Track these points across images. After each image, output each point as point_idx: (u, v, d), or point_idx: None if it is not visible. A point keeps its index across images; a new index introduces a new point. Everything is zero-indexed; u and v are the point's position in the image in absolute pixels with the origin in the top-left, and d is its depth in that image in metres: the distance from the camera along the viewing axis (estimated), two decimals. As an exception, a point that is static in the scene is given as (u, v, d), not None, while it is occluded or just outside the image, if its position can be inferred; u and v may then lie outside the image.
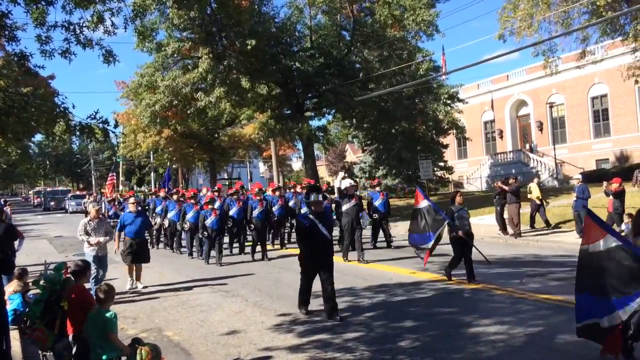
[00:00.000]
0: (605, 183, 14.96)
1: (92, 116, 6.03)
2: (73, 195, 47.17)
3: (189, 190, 19.43)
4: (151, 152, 42.89)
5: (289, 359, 6.16)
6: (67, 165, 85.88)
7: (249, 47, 21.34)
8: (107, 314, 5.16)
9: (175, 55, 23.24)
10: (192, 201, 15.32)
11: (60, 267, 5.35)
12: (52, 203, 49.05)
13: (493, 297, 8.63)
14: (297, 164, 68.15)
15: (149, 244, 18.93)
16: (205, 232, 13.54)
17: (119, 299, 8.92)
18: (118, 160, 53.10)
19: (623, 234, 12.91)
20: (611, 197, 14.18)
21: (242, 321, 7.83)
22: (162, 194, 19.03)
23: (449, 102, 32.33)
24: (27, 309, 5.37)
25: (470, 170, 42.23)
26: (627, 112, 33.59)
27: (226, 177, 51.30)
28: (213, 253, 13.71)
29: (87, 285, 6.61)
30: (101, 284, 5.46)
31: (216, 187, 18.39)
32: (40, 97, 7.22)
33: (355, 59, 26.90)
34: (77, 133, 6.29)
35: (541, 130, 38.90)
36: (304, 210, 13.41)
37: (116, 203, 20.13)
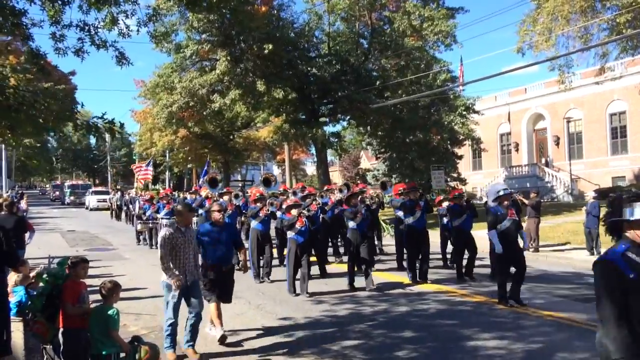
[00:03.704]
0: (617, 201, 14.75)
1: (100, 117, 6.16)
2: (94, 190, 44.46)
3: (253, 189, 15.43)
4: (167, 151, 43.27)
5: (286, 363, 6.20)
6: (84, 161, 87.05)
7: (266, 51, 21.55)
8: (110, 311, 5.24)
9: (193, 57, 23.54)
10: (259, 204, 11.55)
11: (64, 262, 5.44)
12: (72, 198, 46.58)
13: (495, 311, 8.58)
14: (311, 169, 68.27)
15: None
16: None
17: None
18: (134, 157, 53.52)
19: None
20: (624, 215, 13.98)
21: (243, 324, 7.88)
22: (203, 192, 14.82)
23: (464, 113, 32.22)
24: (29, 302, 5.48)
25: (485, 182, 41.93)
26: (646, 129, 33.17)
27: (239, 178, 51.54)
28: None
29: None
30: (106, 280, 5.54)
31: (280, 189, 14.63)
32: (50, 96, 7.36)
33: (372, 67, 26.99)
34: (84, 132, 6.42)
35: (558, 144, 38.57)
36: (351, 224, 10.41)
37: (154, 202, 17.56)
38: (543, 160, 39.90)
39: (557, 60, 21.95)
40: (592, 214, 14.95)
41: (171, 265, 6.15)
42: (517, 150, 42.13)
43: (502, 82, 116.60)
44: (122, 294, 9.34)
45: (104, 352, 5.11)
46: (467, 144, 35.29)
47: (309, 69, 24.85)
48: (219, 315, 7.00)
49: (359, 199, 10.84)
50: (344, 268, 12.69)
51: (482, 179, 42.80)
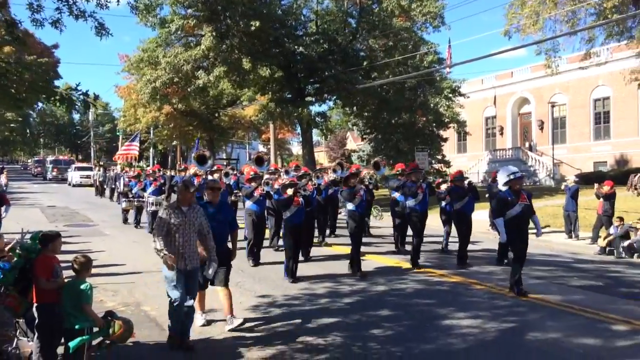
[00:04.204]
0: (597, 185, 14.97)
1: (74, 88, 6.03)
2: (77, 166, 43.12)
3: (245, 167, 14.78)
4: (151, 128, 42.79)
5: (261, 339, 6.22)
6: (67, 136, 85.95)
7: (252, 28, 21.27)
8: (82, 285, 5.18)
9: (178, 32, 23.18)
10: (254, 184, 11.03)
11: (36, 237, 5.37)
12: (54, 173, 45.64)
13: (472, 291, 8.69)
14: (296, 148, 68.10)
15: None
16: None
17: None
18: (118, 133, 52.93)
19: (611, 237, 13.03)
20: (602, 199, 14.21)
21: (220, 301, 7.87)
22: (192, 170, 14.29)
23: (450, 95, 32.26)
24: (2, 275, 5.41)
25: (469, 164, 42.22)
26: (629, 115, 33.53)
27: (224, 157, 51.27)
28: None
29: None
30: (79, 255, 5.47)
31: (271, 168, 14.02)
32: (23, 66, 7.16)
33: (359, 47, 26.81)
34: (57, 103, 6.27)
35: (542, 129, 38.88)
36: (349, 205, 9.95)
37: (140, 180, 16.79)
38: (527, 144, 40.21)
39: (543, 44, 21.99)
40: (571, 197, 15.15)
41: (163, 247, 5.59)
42: (501, 133, 42.38)
43: (489, 65, 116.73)
44: (100, 270, 9.41)
45: (77, 327, 5.07)
46: (452, 126, 35.40)
47: (295, 47, 24.60)
48: (202, 302, 6.77)
49: (357, 179, 10.19)
50: (332, 251, 12.77)
51: (466, 162, 43.04)
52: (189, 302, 5.88)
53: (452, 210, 11.66)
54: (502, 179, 8.54)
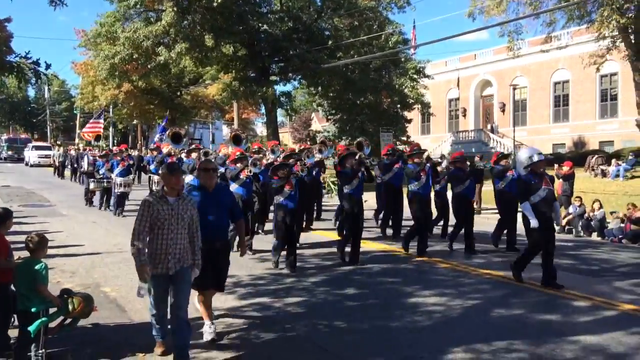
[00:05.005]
0: (556, 166, 15.32)
1: (23, 56, 5.67)
2: (35, 145, 41.17)
3: (223, 147, 13.90)
4: (110, 106, 41.58)
5: (226, 320, 6.09)
6: (22, 114, 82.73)
7: (215, 3, 20.78)
8: (37, 265, 4.95)
9: (137, 6, 22.44)
10: (239, 165, 9.71)
11: (-14, 215, 5.10)
12: (10, 152, 43.92)
13: (437, 269, 8.75)
14: (261, 129, 67.47)
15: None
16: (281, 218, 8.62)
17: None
18: (75, 111, 51.30)
19: (570, 216, 13.35)
20: (561, 180, 14.53)
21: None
22: (165, 149, 13.38)
23: (415, 76, 32.37)
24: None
25: (433, 146, 42.64)
26: (587, 99, 34.37)
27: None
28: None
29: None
30: (33, 234, 5.22)
31: (254, 147, 13.30)
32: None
33: (324, 26, 26.55)
34: (6, 73, 5.90)
35: (503, 111, 39.52)
36: (346, 188, 9.27)
37: (107, 159, 15.85)
38: (489, 126, 40.84)
39: (506, 26, 22.23)
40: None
41: (143, 248, 4.65)
42: (464, 115, 42.91)
43: (453, 47, 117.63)
44: (58, 251, 9.10)
45: (32, 310, 4.85)
46: (416, 107, 35.58)
47: (260, 24, 24.17)
48: (208, 307, 5.61)
49: (355, 159, 9.29)
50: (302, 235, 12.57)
51: (430, 143, 43.42)
52: (177, 309, 4.77)
53: (443, 192, 11.25)
54: (523, 161, 7.78)
